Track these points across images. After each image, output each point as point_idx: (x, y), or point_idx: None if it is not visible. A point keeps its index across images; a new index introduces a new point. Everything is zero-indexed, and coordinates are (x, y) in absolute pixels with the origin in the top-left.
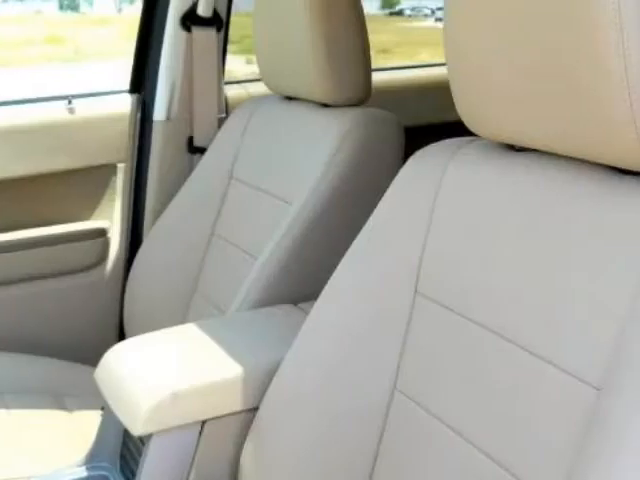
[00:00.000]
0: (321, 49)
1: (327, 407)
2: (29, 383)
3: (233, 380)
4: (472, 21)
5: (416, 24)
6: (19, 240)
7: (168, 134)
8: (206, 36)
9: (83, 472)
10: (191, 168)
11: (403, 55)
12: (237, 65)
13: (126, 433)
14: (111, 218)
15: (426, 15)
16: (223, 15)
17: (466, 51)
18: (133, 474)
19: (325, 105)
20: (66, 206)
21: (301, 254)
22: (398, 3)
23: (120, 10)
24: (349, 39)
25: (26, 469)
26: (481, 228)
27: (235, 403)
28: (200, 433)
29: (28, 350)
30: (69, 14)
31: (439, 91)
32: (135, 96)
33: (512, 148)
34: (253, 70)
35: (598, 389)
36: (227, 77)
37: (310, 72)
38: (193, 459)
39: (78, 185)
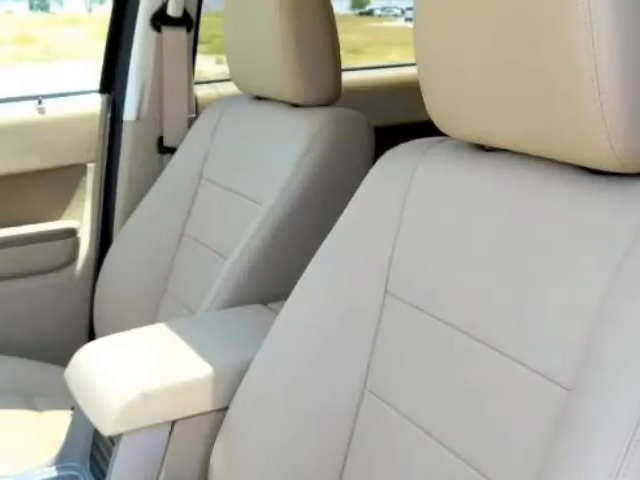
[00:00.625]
0: (291, 49)
1: (297, 407)
2: None
3: (203, 380)
4: (442, 21)
5: (386, 24)
6: None
7: (138, 134)
8: (176, 36)
9: (53, 472)
10: (161, 168)
11: (373, 55)
12: (207, 65)
13: (96, 433)
14: (81, 218)
15: (396, 15)
16: (193, 15)
17: (436, 51)
18: (103, 474)
19: (295, 105)
20: (36, 206)
21: (271, 254)
22: (368, 3)
23: (90, 10)
24: (319, 39)
25: None
26: (451, 228)
27: (205, 403)
28: (170, 433)
29: None
30: (39, 14)
31: (409, 91)
32: (105, 96)
33: (482, 148)
34: (223, 70)
35: (568, 389)
36: (197, 77)
37: (280, 72)
38: (163, 459)
39: (48, 185)
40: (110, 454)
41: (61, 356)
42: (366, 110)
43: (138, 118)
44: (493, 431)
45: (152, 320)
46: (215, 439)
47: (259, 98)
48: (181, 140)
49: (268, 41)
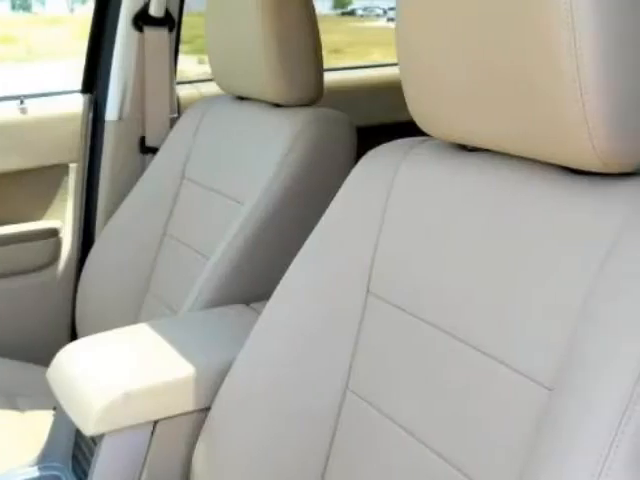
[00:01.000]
0: (273, 49)
1: (279, 407)
2: None
3: (185, 380)
4: (424, 21)
5: (368, 24)
6: None
7: (120, 134)
8: (158, 36)
9: (35, 472)
10: (143, 168)
11: (355, 55)
12: (189, 65)
13: (78, 433)
14: (63, 218)
15: (378, 15)
16: (175, 15)
17: (418, 51)
18: (85, 474)
19: (277, 105)
20: (18, 206)
21: (253, 254)
22: (350, 3)
23: (72, 10)
24: (301, 39)
25: None
26: (433, 228)
27: (187, 403)
28: (152, 433)
29: None
30: (21, 14)
31: (391, 91)
32: (87, 96)
33: (464, 148)
34: (205, 70)
35: (550, 389)
36: (179, 77)
37: (262, 72)
38: (145, 459)
39: (30, 185)
40: (92, 454)
41: (43, 356)
42: (348, 110)
43: (120, 118)
44: (475, 431)
45: (134, 320)
46: (197, 439)
47: (241, 98)
48: (163, 140)
49: (250, 41)
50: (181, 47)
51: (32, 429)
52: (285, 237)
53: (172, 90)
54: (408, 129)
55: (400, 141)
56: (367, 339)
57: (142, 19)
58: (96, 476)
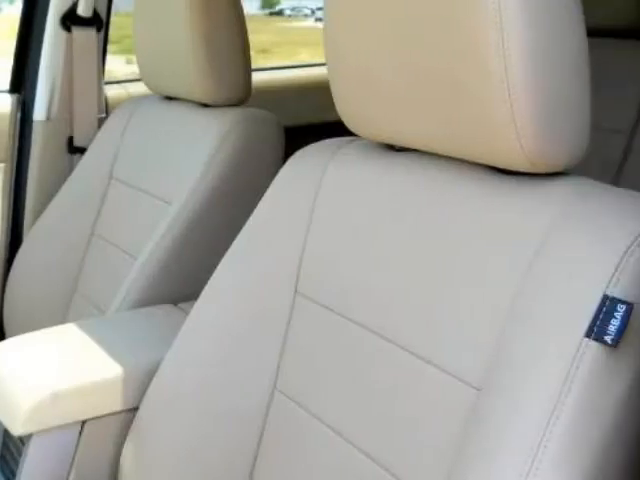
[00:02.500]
0: (201, 49)
1: (207, 407)
2: None
3: (113, 380)
4: (352, 21)
5: (296, 24)
6: None
7: (48, 134)
8: (86, 36)
9: None
10: (71, 168)
11: (283, 55)
12: (117, 65)
13: (6, 433)
14: None
15: (306, 15)
16: (103, 15)
17: (346, 51)
18: (13, 474)
19: (205, 105)
20: None
21: (181, 254)
22: (278, 3)
23: (0, 10)
24: (229, 39)
25: None
26: (361, 228)
27: (115, 403)
28: (80, 433)
29: None
30: None
31: (319, 91)
32: (15, 96)
33: (392, 148)
34: (133, 70)
35: (478, 389)
36: (107, 77)
37: (190, 72)
38: (73, 459)
39: None
40: (20, 454)
41: None
42: (276, 110)
43: (48, 118)
44: (403, 431)
45: (62, 320)
46: (125, 439)
47: (169, 98)
48: (91, 140)
49: (178, 41)
50: (109, 47)
51: None
52: (213, 237)
53: (100, 90)
54: (336, 129)
55: (328, 141)
56: (295, 339)
57: (70, 19)
58: (24, 476)
